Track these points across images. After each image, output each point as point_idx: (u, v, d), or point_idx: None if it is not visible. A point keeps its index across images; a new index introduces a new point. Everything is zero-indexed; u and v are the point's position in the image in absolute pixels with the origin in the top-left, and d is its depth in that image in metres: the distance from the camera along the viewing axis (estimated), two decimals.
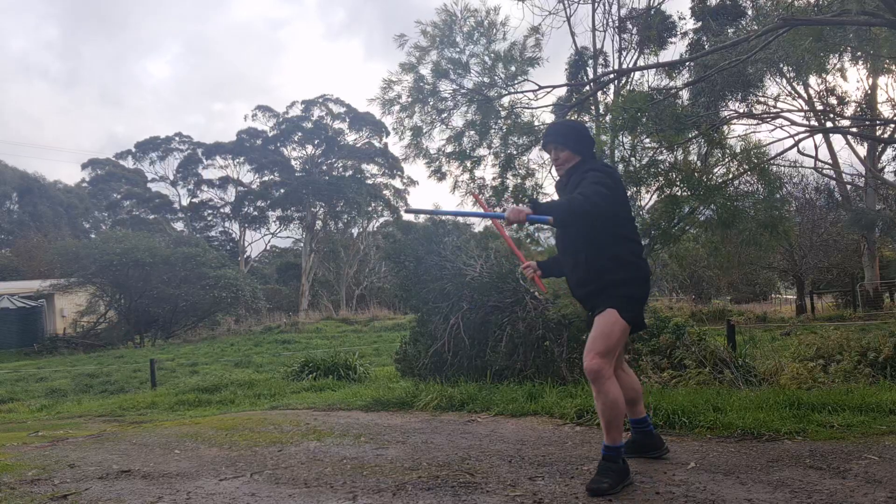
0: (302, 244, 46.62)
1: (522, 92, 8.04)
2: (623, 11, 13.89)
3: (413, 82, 8.13)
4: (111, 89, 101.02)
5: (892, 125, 18.22)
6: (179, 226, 49.37)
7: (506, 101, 8.10)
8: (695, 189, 6.83)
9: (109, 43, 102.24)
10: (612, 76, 11.09)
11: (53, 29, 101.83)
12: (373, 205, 46.38)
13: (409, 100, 8.21)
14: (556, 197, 3.47)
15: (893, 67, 10.64)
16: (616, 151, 7.26)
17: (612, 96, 10.97)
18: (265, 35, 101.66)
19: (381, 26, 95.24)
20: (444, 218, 10.23)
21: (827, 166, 22.20)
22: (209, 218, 50.38)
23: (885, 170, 21.90)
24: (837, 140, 21.80)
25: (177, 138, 49.65)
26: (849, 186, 23.22)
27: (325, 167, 47.16)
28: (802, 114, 14.50)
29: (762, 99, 11.24)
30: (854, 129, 14.96)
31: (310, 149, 47.29)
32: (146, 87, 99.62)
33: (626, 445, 3.33)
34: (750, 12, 11.31)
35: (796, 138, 10.28)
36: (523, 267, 3.69)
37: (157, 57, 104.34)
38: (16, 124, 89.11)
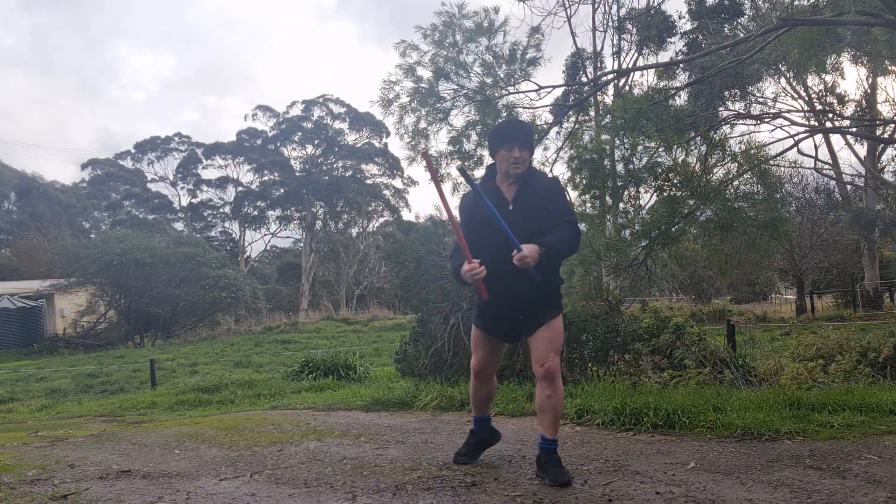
0: (302, 244, 46.62)
1: (523, 92, 8.06)
2: (623, 11, 13.90)
3: (413, 83, 8.16)
4: (103, 85, 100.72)
5: (893, 125, 18.22)
6: (179, 226, 49.40)
7: (506, 101, 8.12)
8: (694, 191, 6.82)
9: (100, 35, 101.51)
10: (611, 76, 11.10)
11: (25, 19, 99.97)
12: (373, 205, 46.39)
13: (409, 100, 8.24)
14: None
15: (893, 68, 10.64)
16: (616, 151, 7.26)
17: (610, 97, 10.98)
18: (255, 22, 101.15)
19: (374, 6, 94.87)
20: (445, 217, 10.33)
21: (827, 166, 22.21)
22: (209, 218, 50.39)
23: (885, 170, 21.90)
24: (837, 140, 21.83)
25: (176, 138, 49.74)
26: (849, 186, 23.21)
27: (325, 167, 47.15)
28: (802, 114, 14.51)
29: (761, 99, 11.26)
30: (854, 129, 14.96)
31: (310, 149, 47.31)
32: (139, 83, 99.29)
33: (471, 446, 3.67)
34: (748, 11, 11.31)
35: (796, 138, 10.28)
36: (468, 269, 3.14)
37: (151, 53, 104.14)
38: (4, 122, 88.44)
